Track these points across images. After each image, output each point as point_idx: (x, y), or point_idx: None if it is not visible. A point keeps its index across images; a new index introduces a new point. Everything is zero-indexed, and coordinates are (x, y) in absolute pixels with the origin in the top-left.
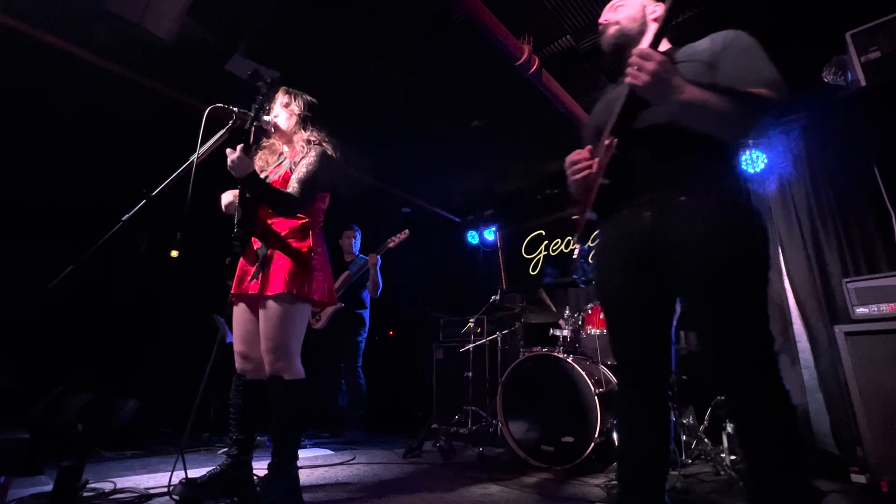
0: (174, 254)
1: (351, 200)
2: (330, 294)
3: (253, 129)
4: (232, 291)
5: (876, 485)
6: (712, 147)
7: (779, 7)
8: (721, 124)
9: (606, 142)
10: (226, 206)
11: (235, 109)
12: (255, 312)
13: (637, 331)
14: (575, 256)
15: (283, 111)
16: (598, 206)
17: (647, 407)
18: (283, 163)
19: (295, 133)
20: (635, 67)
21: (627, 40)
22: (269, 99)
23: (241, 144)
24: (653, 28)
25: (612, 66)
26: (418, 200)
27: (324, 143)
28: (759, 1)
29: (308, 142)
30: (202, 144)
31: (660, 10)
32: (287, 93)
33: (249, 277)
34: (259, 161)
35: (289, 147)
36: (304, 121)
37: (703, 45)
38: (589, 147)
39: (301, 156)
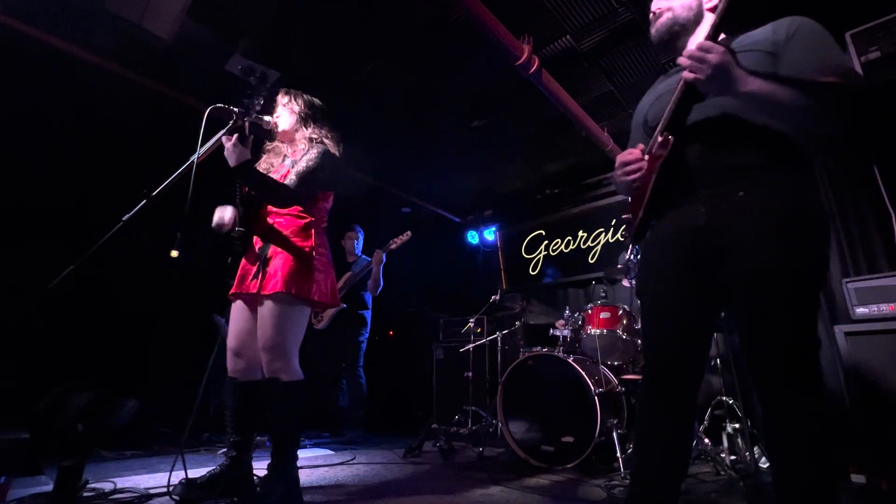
0: (174, 254)
1: (351, 201)
2: (332, 295)
3: (247, 122)
4: (232, 291)
5: (876, 485)
6: (774, 140)
7: (778, 7)
8: (791, 116)
9: (661, 138)
10: (215, 223)
11: (236, 109)
12: (252, 310)
13: (677, 331)
14: (627, 256)
15: (283, 111)
16: (652, 203)
17: (670, 408)
18: (286, 162)
19: (296, 131)
20: (696, 61)
21: (681, 30)
22: (260, 93)
23: (237, 134)
24: (708, 18)
25: (615, 66)
26: (418, 200)
27: (325, 141)
28: (759, 1)
29: (310, 140)
30: (202, 144)
31: None
32: (287, 93)
33: (250, 277)
34: (263, 164)
35: (291, 147)
36: (305, 119)
37: (765, 33)
38: (641, 146)
39: (302, 154)
